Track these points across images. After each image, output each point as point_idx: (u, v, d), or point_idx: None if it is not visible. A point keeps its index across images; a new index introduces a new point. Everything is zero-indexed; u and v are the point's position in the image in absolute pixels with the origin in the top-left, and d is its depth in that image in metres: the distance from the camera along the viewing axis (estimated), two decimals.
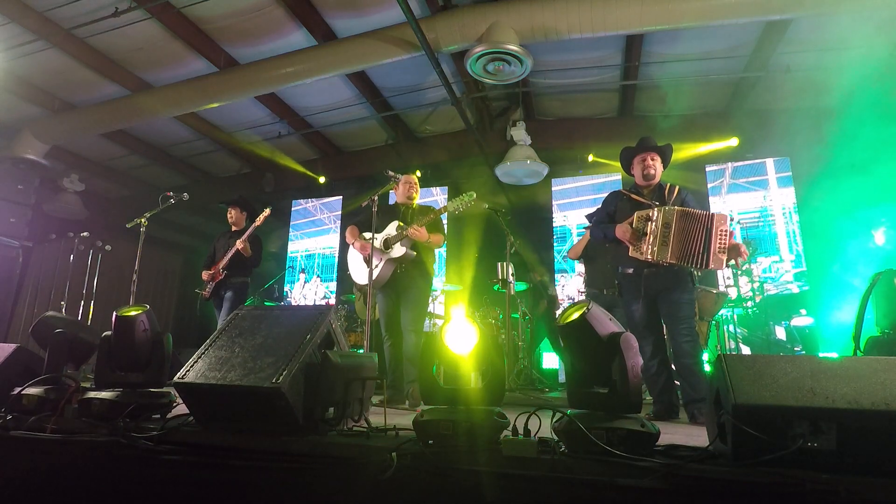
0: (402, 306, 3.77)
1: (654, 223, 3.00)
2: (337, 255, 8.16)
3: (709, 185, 6.68)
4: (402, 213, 3.94)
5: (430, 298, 4.67)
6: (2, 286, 6.50)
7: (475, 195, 3.71)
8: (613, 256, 3.37)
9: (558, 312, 1.84)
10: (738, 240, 3.01)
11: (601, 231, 3.33)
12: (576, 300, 1.85)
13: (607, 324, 1.71)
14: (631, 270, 3.19)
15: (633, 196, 3.29)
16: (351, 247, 3.93)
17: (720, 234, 2.90)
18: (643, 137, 3.38)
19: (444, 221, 3.90)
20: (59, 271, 7.99)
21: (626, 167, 3.45)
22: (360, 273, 3.89)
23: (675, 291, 3.09)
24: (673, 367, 3.20)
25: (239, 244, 4.70)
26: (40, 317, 2.59)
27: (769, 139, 6.31)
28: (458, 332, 1.82)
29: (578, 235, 7.02)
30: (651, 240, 2.98)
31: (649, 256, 2.99)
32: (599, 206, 3.54)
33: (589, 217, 5.16)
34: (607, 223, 3.31)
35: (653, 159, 3.27)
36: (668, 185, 3.28)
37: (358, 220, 4.03)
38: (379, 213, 3.83)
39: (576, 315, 1.72)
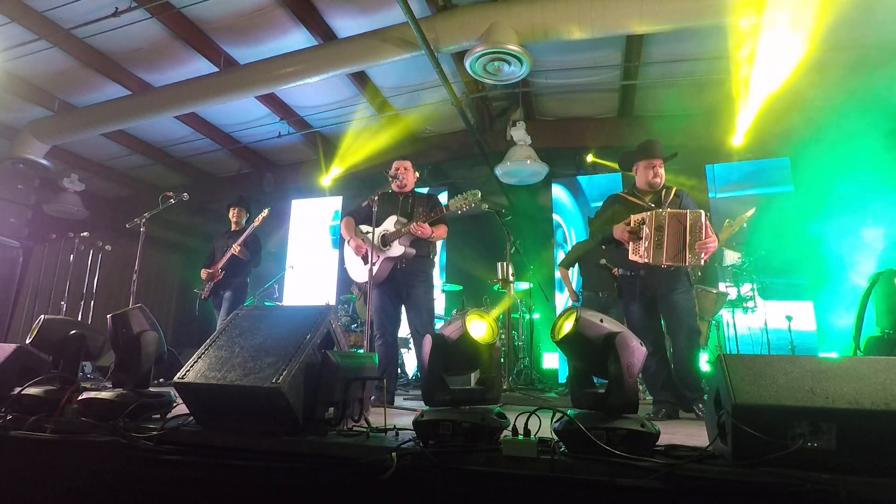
0: (409, 308, 3.59)
1: (647, 227, 3.02)
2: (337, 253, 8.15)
3: (708, 184, 6.69)
4: (401, 202, 3.72)
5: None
6: (2, 286, 6.50)
7: (479, 194, 3.47)
8: (613, 258, 3.43)
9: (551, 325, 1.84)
10: (711, 233, 3.02)
11: (600, 233, 3.34)
12: (565, 309, 1.83)
13: (600, 327, 1.71)
14: (629, 272, 3.22)
15: (631, 198, 3.31)
16: (346, 242, 3.75)
17: (695, 230, 2.96)
18: (650, 142, 3.32)
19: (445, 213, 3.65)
20: (59, 271, 7.98)
21: (627, 168, 3.44)
22: (356, 270, 3.73)
23: (673, 292, 3.12)
24: (672, 366, 3.23)
25: (234, 248, 4.69)
26: (41, 321, 2.59)
27: (769, 139, 6.31)
28: (476, 326, 1.84)
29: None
30: (646, 244, 3.01)
31: (646, 259, 3.01)
32: (599, 208, 3.54)
33: (590, 221, 5.22)
34: (606, 225, 3.32)
35: (660, 167, 3.26)
36: (665, 188, 3.30)
37: (353, 210, 3.83)
38: (378, 205, 3.68)
39: (568, 327, 1.72)
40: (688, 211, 3.02)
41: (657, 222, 3.00)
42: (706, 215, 3.02)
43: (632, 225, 3.09)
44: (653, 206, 3.19)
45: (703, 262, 3.02)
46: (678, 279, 3.14)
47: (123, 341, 2.27)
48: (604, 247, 3.48)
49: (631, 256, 3.08)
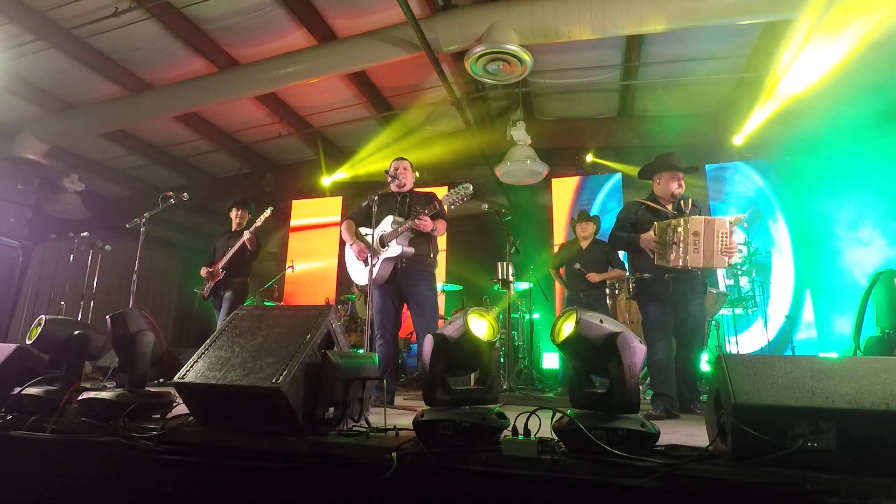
0: (413, 308, 3.57)
1: (681, 232, 3.14)
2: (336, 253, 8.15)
3: (708, 184, 6.69)
4: (399, 202, 3.71)
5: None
6: (2, 286, 6.50)
7: (471, 187, 3.48)
8: (632, 263, 3.57)
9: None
10: (737, 239, 3.28)
11: (625, 241, 3.46)
12: (563, 311, 1.83)
13: (600, 328, 1.71)
14: (649, 275, 3.34)
15: (654, 206, 3.46)
16: (348, 245, 3.75)
17: (721, 236, 3.12)
18: (674, 155, 3.50)
19: (445, 208, 3.65)
20: (59, 271, 7.99)
21: (648, 178, 3.58)
22: (357, 272, 3.73)
23: (693, 299, 3.31)
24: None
25: (247, 235, 4.74)
26: (43, 322, 2.58)
27: (769, 139, 6.32)
28: (477, 324, 1.85)
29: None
30: (681, 249, 3.12)
31: (679, 264, 3.11)
32: (618, 214, 3.68)
33: (573, 223, 5.41)
34: (629, 232, 3.46)
35: (682, 178, 3.45)
36: (683, 197, 3.47)
37: (353, 213, 3.82)
38: (376, 203, 3.66)
39: (568, 329, 1.72)
40: (715, 218, 3.20)
41: (693, 228, 3.13)
42: (729, 222, 3.20)
43: (657, 233, 3.23)
44: (676, 213, 3.36)
45: (727, 265, 3.22)
46: (699, 287, 3.34)
47: (121, 342, 2.27)
48: (630, 251, 3.60)
49: (657, 261, 3.21)
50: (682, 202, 3.44)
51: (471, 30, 4.81)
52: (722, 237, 3.13)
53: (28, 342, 2.53)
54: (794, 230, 6.23)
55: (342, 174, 7.99)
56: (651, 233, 3.27)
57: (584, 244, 5.30)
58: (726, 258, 3.15)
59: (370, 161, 7.68)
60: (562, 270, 5.53)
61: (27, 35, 5.23)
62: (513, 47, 4.67)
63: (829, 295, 5.81)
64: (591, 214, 5.52)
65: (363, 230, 3.69)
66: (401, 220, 3.57)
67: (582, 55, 5.85)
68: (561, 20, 4.61)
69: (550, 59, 5.88)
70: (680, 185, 3.41)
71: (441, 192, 3.83)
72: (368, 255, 3.50)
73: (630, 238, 3.40)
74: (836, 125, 5.60)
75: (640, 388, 4.07)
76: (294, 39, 5.54)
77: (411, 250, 3.53)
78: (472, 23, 4.81)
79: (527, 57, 4.80)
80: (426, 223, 3.45)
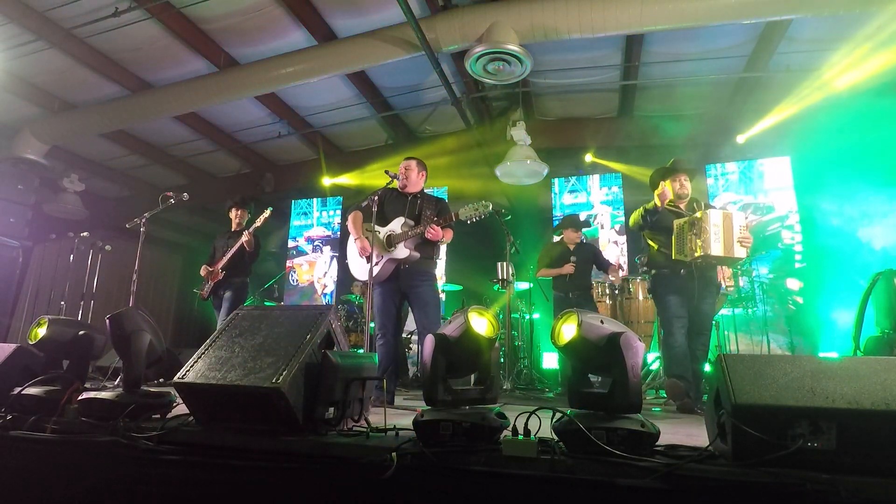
0: (416, 307, 3.56)
1: (702, 224, 3.29)
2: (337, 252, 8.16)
3: (708, 184, 6.69)
4: (409, 204, 3.67)
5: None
6: (2, 286, 6.50)
7: (490, 206, 3.45)
8: (650, 261, 3.76)
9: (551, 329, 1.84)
10: (749, 233, 3.44)
11: (649, 224, 3.60)
12: (562, 313, 1.82)
13: (602, 328, 1.70)
14: (667, 270, 3.55)
15: (672, 208, 3.64)
16: (352, 239, 3.69)
17: (739, 229, 3.34)
18: (675, 160, 3.74)
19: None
20: (59, 271, 7.99)
21: (657, 187, 3.71)
22: (357, 267, 3.69)
23: (706, 296, 3.45)
24: None
25: (245, 236, 4.72)
26: (46, 322, 2.57)
27: (769, 139, 6.32)
28: (477, 321, 1.85)
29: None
30: (703, 240, 3.27)
31: (701, 253, 3.25)
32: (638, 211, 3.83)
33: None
34: (644, 228, 3.67)
35: (685, 179, 3.67)
36: (695, 200, 3.66)
37: (362, 206, 3.71)
38: (385, 203, 3.65)
39: (569, 332, 1.71)
40: (733, 212, 3.39)
41: (714, 220, 3.30)
42: (745, 216, 3.39)
43: (675, 230, 3.42)
44: (690, 212, 3.51)
45: (745, 255, 3.38)
46: (712, 286, 3.52)
47: (118, 342, 2.27)
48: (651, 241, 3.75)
49: (676, 256, 3.40)
50: (695, 203, 3.62)
51: (471, 30, 4.81)
52: (739, 229, 3.31)
53: (31, 342, 2.52)
54: (793, 228, 6.22)
55: (345, 180, 7.98)
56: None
57: (572, 246, 5.38)
58: (744, 249, 3.31)
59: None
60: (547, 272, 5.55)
61: (27, 35, 5.23)
62: (513, 47, 4.67)
63: (830, 294, 5.81)
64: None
65: (369, 226, 3.65)
66: (411, 223, 3.55)
67: (582, 55, 5.85)
68: (561, 20, 4.61)
69: (550, 59, 5.88)
70: (682, 185, 3.61)
71: (440, 192, 3.82)
72: (371, 253, 3.45)
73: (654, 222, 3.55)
74: (838, 122, 5.59)
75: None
76: (294, 39, 5.54)
77: (417, 255, 3.53)
78: (472, 23, 4.81)
79: (527, 57, 4.80)
80: (437, 233, 3.46)
